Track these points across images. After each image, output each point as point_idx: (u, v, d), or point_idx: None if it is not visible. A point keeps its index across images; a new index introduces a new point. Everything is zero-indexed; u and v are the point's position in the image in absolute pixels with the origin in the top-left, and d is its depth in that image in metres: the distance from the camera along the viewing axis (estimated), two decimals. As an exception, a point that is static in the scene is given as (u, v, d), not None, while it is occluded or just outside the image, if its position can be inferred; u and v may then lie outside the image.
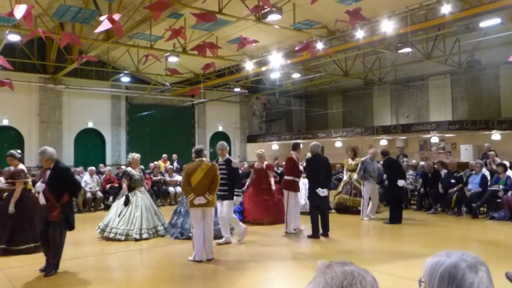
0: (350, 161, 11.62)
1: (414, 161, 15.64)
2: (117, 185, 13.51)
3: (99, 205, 13.24)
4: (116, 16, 5.85)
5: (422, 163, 12.78)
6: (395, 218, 9.74)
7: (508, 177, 10.31)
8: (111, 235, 8.18)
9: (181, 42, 13.56)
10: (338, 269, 1.05)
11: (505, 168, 10.52)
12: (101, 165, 15.94)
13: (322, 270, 1.07)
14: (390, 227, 9.49)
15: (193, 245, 6.59)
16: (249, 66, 15.64)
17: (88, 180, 13.22)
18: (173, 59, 14.70)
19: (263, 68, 16.17)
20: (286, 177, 8.91)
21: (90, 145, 19.43)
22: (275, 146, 23.53)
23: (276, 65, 14.85)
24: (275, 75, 18.29)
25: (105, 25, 5.76)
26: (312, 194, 8.39)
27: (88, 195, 12.94)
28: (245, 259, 6.73)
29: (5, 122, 17.13)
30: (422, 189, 11.75)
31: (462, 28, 14.39)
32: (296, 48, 8.85)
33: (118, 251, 7.51)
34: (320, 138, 21.01)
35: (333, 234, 8.47)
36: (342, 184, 11.77)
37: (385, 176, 10.65)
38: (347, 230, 9.29)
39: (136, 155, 8.82)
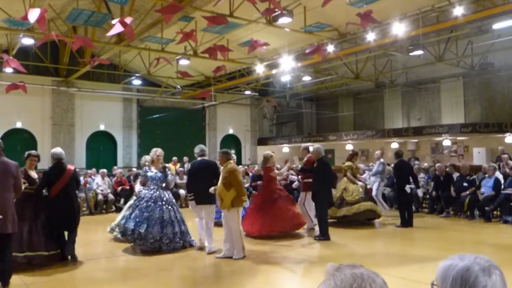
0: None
1: (426, 164, 15.49)
2: (128, 187, 13.59)
3: (110, 207, 13.33)
4: (128, 20, 5.89)
5: (438, 164, 12.61)
6: (406, 222, 9.67)
7: (522, 180, 10.17)
8: (114, 233, 8.28)
9: (192, 45, 13.64)
10: (348, 272, 1.05)
11: (519, 172, 10.38)
12: (115, 167, 16.05)
13: (331, 273, 1.07)
14: (402, 231, 9.41)
15: (243, 246, 6.80)
16: (259, 69, 15.67)
17: (99, 182, 13.33)
18: (184, 62, 14.80)
19: (274, 71, 16.18)
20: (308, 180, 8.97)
21: (102, 147, 19.61)
22: (285, 149, 23.49)
23: (287, 68, 14.86)
24: (285, 78, 18.29)
25: (117, 28, 5.81)
26: (325, 195, 8.47)
27: (100, 197, 13.03)
28: (254, 262, 6.71)
29: (18, 125, 17.35)
30: (434, 193, 11.63)
31: (475, 30, 14.27)
32: (307, 51, 8.82)
33: (128, 253, 7.54)
34: (330, 141, 20.98)
35: (343, 237, 8.42)
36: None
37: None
38: (357, 233, 9.22)
39: (149, 158, 8.82)
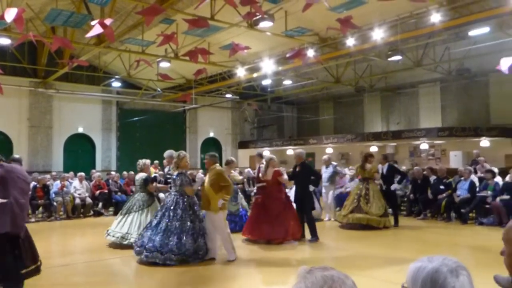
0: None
1: (404, 167, 15.74)
2: (106, 191, 13.39)
3: (88, 211, 13.11)
4: (108, 21, 5.82)
5: (416, 167, 12.86)
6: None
7: (496, 183, 10.42)
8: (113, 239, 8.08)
9: (173, 48, 13.57)
10: (319, 274, 1.08)
11: (493, 175, 10.64)
12: (93, 170, 15.80)
13: (303, 276, 1.10)
14: (382, 233, 9.51)
15: (232, 247, 6.88)
16: (241, 72, 15.69)
17: (77, 186, 13.09)
18: (164, 65, 14.71)
19: (255, 75, 16.22)
20: None
21: (80, 150, 19.31)
22: (266, 152, 23.55)
23: (268, 72, 14.91)
24: (267, 82, 18.36)
25: (96, 29, 5.73)
26: (311, 199, 8.84)
27: (77, 201, 12.80)
28: (238, 265, 6.70)
29: (-6, 127, 16.97)
30: (412, 195, 11.82)
31: (452, 36, 14.59)
32: (288, 55, 8.88)
33: (107, 258, 7.44)
34: (311, 145, 21.12)
35: (324, 239, 8.49)
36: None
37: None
38: (342, 233, 9.30)
39: (147, 161, 8.77)
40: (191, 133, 22.60)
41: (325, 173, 11.41)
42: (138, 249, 6.73)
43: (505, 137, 16.64)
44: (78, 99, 18.54)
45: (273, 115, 24.71)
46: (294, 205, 8.73)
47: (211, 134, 23.40)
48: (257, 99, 22.80)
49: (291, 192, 10.31)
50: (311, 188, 8.76)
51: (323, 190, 11.65)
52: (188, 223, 6.72)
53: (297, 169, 8.67)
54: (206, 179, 6.98)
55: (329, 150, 20.89)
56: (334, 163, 12.09)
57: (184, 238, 6.58)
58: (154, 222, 6.86)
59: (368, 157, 10.12)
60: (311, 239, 8.38)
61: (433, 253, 1.34)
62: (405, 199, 12.42)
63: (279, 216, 8.23)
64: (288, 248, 8.02)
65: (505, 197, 9.77)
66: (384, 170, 10.42)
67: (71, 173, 14.41)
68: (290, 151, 22.43)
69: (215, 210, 6.71)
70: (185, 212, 6.75)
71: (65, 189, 12.68)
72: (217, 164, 7.12)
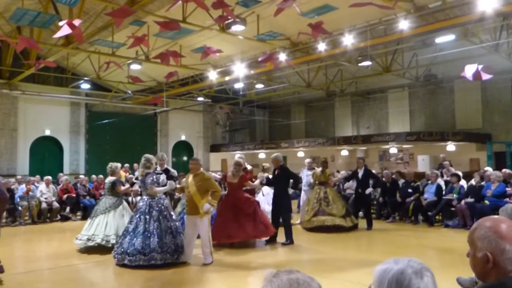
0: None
1: (373, 171, 16.02)
2: (74, 195, 13.05)
3: (55, 216, 12.73)
4: (76, 22, 5.70)
5: (385, 171, 13.12)
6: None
7: (461, 186, 10.73)
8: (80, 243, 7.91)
9: (144, 50, 13.42)
10: (284, 277, 1.10)
11: (458, 178, 10.95)
12: (61, 174, 15.37)
13: (269, 279, 1.12)
14: (352, 235, 9.63)
15: (211, 251, 6.87)
16: (212, 76, 15.65)
17: (43, 190, 12.70)
18: (135, 67, 14.52)
19: (227, 78, 16.22)
20: None
21: (47, 153, 18.79)
22: (238, 155, 23.56)
23: (240, 75, 14.93)
24: (238, 85, 18.38)
25: (64, 30, 5.60)
26: (290, 201, 8.91)
27: (44, 205, 12.41)
28: (207, 270, 6.65)
29: (-45, 129, 16.32)
30: (381, 199, 12.03)
31: (419, 43, 15.01)
32: (260, 59, 8.92)
33: (72, 264, 7.26)
34: (283, 148, 21.26)
35: (297, 242, 8.53)
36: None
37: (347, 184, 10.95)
38: (308, 237, 9.36)
39: (118, 165, 8.64)
40: (162, 136, 22.36)
41: (307, 176, 11.44)
42: (119, 256, 6.64)
43: (469, 142, 17.21)
44: (45, 101, 18.06)
45: (245, 119, 24.74)
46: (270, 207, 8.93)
47: (183, 138, 23.22)
48: (229, 102, 22.78)
49: (258, 196, 10.29)
50: (290, 190, 8.85)
51: (303, 194, 11.64)
52: (166, 223, 6.79)
53: (277, 172, 8.78)
54: (190, 184, 6.89)
55: (301, 153, 21.09)
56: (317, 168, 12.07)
57: (165, 237, 6.65)
58: (131, 227, 6.82)
59: (325, 163, 10.68)
60: (286, 241, 8.40)
61: (401, 255, 1.38)
62: (375, 202, 12.63)
63: (256, 213, 8.28)
64: (261, 251, 8.02)
65: (470, 200, 10.06)
66: (360, 174, 10.57)
67: (37, 176, 14.00)
68: (262, 154, 22.51)
69: (202, 215, 6.74)
70: (161, 213, 6.82)
71: (30, 193, 12.27)
72: (202, 169, 7.10)
